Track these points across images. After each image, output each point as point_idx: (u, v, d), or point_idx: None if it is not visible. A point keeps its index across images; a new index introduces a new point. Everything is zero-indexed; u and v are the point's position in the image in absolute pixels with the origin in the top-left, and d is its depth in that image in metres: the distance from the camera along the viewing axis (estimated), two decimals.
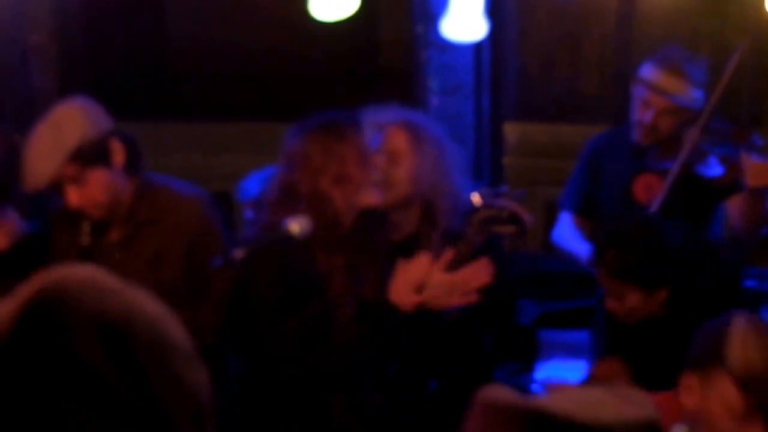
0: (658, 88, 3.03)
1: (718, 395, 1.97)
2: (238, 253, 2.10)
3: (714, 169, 2.99)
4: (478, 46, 4.41)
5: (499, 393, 1.27)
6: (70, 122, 2.36)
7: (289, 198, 2.31)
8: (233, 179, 5.70)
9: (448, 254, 2.25)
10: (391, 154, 2.59)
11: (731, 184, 2.93)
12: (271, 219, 2.31)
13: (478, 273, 2.24)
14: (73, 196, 2.39)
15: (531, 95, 5.52)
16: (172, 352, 0.84)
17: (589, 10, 5.47)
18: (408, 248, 2.50)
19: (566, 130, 5.47)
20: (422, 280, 2.20)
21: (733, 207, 3.03)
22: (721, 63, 3.10)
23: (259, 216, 2.44)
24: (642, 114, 3.08)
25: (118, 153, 2.44)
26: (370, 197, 2.36)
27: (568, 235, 3.33)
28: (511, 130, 5.23)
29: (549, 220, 5.19)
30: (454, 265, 2.29)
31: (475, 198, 2.40)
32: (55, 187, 2.40)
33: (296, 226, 2.18)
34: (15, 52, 4.73)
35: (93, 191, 2.40)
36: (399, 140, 2.61)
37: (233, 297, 2.38)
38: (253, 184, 3.27)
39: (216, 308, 2.50)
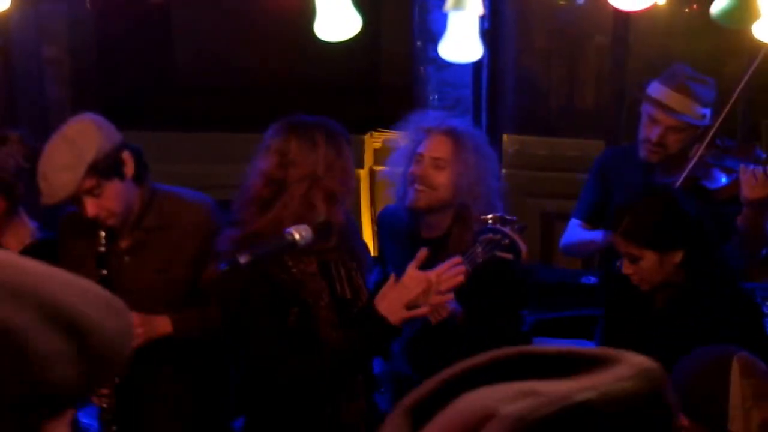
0: (664, 105, 3.03)
1: None
2: (244, 258, 2.13)
3: (717, 180, 3.00)
4: (477, 63, 4.51)
5: None
6: (85, 137, 2.43)
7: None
8: (236, 188, 5.79)
9: (423, 253, 2.30)
10: (435, 160, 2.71)
11: (734, 197, 2.90)
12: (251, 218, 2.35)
13: (451, 272, 2.27)
14: (91, 208, 2.46)
15: (529, 110, 5.61)
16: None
17: (586, 28, 5.57)
18: (438, 246, 2.59)
19: (563, 143, 5.56)
20: (414, 300, 2.25)
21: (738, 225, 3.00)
22: (716, 82, 3.12)
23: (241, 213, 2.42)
24: (649, 131, 3.08)
25: (129, 164, 2.52)
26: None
27: (578, 232, 3.37)
28: (510, 143, 5.32)
29: (545, 231, 5.30)
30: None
31: (487, 219, 2.54)
32: (73, 200, 2.47)
33: (297, 234, 2.21)
34: (31, 64, 4.83)
35: (109, 202, 2.48)
36: (443, 147, 2.72)
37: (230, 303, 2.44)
38: None
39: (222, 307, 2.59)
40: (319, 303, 2.35)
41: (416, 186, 2.73)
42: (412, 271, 2.27)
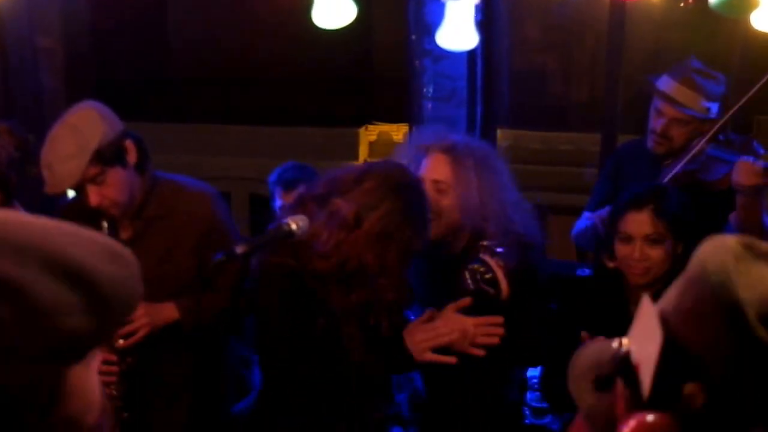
0: (670, 97, 3.10)
1: None
2: (240, 248, 2.13)
3: (714, 173, 3.04)
4: (471, 55, 4.51)
5: None
6: (89, 125, 2.42)
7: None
8: (230, 180, 5.80)
9: (464, 301, 2.31)
10: (435, 183, 2.55)
11: (728, 190, 2.92)
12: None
13: (491, 329, 2.32)
14: (94, 196, 2.46)
15: (523, 103, 5.61)
16: None
17: (581, 21, 5.57)
18: (455, 265, 2.49)
19: (557, 137, 5.58)
20: (445, 345, 2.29)
21: (732, 219, 3.00)
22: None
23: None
24: (654, 122, 3.16)
25: (131, 152, 2.52)
26: None
27: (582, 222, 3.39)
28: (504, 137, 5.33)
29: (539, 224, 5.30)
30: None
31: (479, 247, 2.46)
32: (77, 189, 2.46)
33: (295, 224, 2.19)
34: (25, 53, 4.82)
35: (112, 190, 2.47)
36: (442, 168, 2.57)
37: (247, 301, 2.46)
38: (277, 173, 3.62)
39: (221, 295, 2.59)
40: (345, 322, 2.31)
41: None
42: (450, 314, 2.29)
